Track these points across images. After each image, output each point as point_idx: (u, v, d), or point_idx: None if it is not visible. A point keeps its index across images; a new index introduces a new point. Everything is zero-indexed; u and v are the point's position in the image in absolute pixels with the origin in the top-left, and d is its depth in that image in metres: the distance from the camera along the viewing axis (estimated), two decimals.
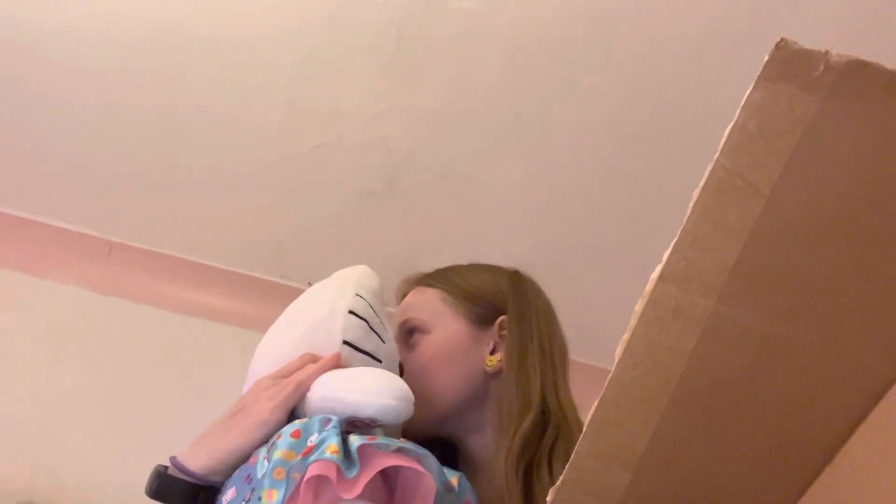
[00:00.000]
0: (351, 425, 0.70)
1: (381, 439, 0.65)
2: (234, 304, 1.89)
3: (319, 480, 0.61)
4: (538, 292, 0.97)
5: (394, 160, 1.61)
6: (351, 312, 0.78)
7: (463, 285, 0.94)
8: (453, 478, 0.70)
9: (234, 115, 1.57)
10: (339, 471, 0.60)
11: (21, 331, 1.74)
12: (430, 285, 0.95)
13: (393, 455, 0.64)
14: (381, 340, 0.81)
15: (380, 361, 0.79)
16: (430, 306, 0.93)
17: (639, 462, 0.44)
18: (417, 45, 1.43)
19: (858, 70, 0.35)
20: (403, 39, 1.42)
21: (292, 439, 0.64)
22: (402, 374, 0.84)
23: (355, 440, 0.63)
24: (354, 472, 0.60)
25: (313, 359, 0.75)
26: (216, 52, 1.47)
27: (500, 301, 0.93)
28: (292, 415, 0.72)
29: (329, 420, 0.66)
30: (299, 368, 0.74)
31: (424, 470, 0.64)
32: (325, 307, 0.79)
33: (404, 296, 0.98)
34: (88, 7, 1.43)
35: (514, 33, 1.39)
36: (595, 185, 1.59)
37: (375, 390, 0.69)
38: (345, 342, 0.77)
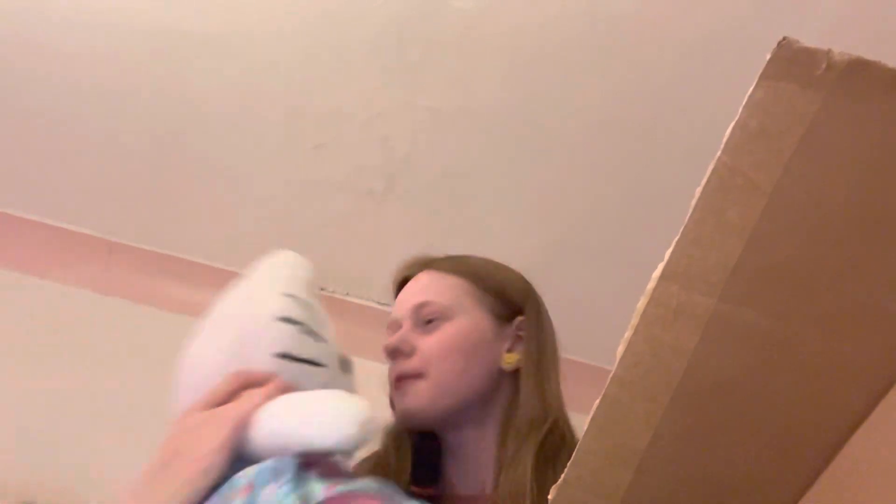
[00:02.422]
0: (306, 458, 0.62)
1: (342, 486, 0.57)
2: None
3: None
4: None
5: (394, 160, 1.61)
6: (281, 319, 0.69)
7: (486, 278, 0.94)
8: None
9: (234, 114, 1.57)
10: None
11: (21, 331, 1.73)
12: (450, 272, 0.94)
13: (360, 498, 0.56)
14: (321, 338, 0.72)
15: (323, 366, 0.70)
16: (452, 293, 0.91)
17: (640, 460, 0.44)
18: (417, 45, 1.43)
19: (860, 69, 0.35)
20: (403, 39, 1.42)
21: (244, 498, 0.56)
22: (349, 367, 0.76)
23: (317, 490, 0.55)
24: None
25: (247, 381, 0.66)
26: (217, 52, 1.47)
27: (518, 300, 0.94)
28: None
29: (282, 472, 0.57)
30: (232, 392, 0.65)
31: None
32: (250, 315, 0.70)
33: (407, 279, 0.96)
34: (88, 8, 1.43)
35: (515, 33, 1.39)
36: (595, 185, 1.59)
37: (332, 421, 0.61)
38: (278, 354, 0.67)
